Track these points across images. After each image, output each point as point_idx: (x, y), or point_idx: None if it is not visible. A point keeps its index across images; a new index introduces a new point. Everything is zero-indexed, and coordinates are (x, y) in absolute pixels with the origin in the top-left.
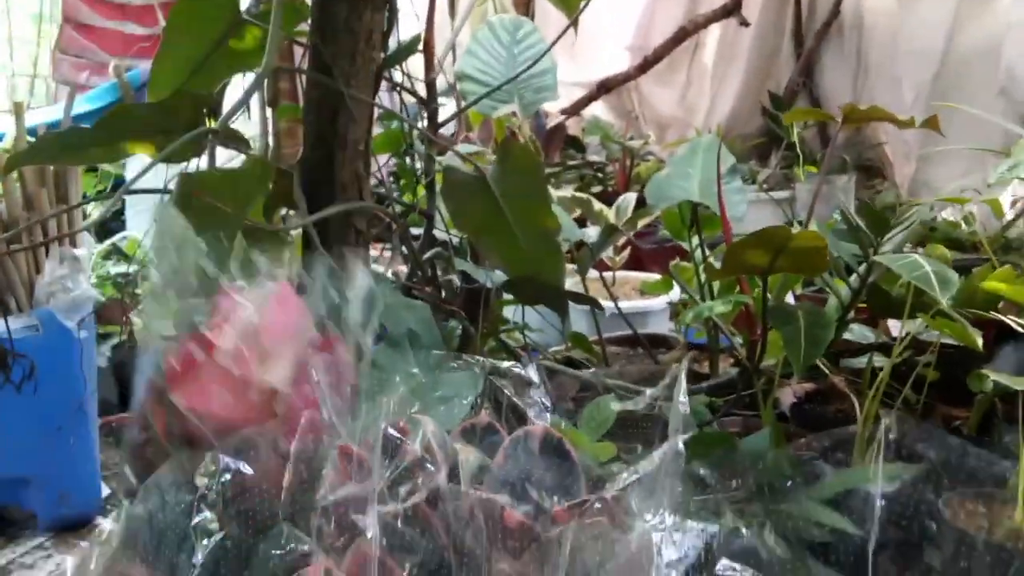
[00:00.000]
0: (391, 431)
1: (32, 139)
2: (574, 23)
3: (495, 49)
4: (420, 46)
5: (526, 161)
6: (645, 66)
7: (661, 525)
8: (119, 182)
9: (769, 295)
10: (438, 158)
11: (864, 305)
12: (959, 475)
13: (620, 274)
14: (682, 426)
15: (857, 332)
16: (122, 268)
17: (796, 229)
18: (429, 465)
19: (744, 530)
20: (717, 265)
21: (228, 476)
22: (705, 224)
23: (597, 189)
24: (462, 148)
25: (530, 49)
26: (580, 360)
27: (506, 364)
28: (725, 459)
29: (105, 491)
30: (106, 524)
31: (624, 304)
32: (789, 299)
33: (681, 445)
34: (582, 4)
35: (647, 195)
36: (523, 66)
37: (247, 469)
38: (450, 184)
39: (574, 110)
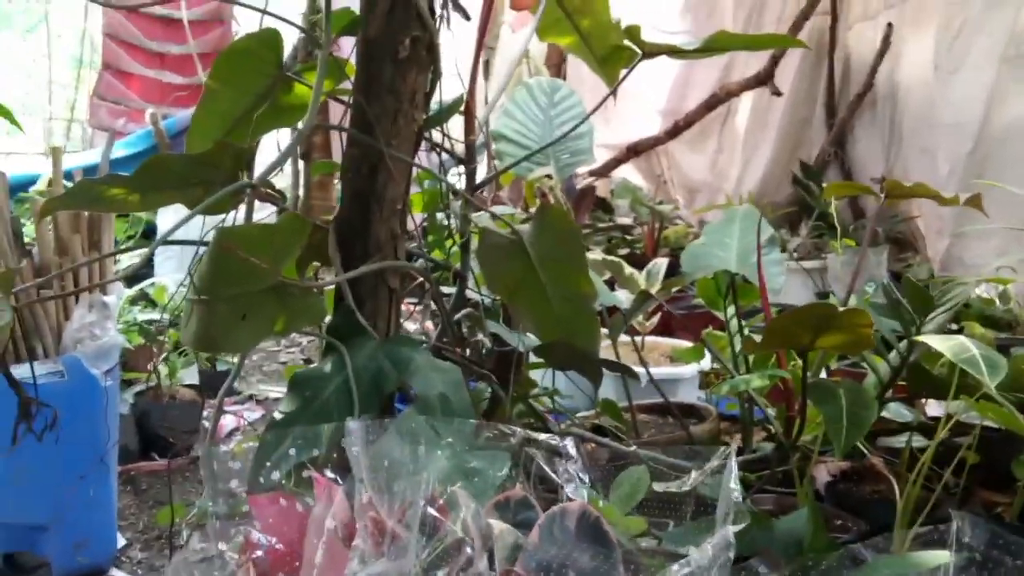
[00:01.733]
0: (431, 510)
1: (68, 184)
2: (613, 92)
3: (532, 111)
4: (461, 107)
5: (563, 225)
6: (676, 131)
7: None
8: (150, 228)
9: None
10: (473, 217)
11: (902, 383)
12: (1004, 565)
13: (650, 339)
14: (733, 515)
15: (894, 410)
16: (150, 315)
17: (835, 303)
18: (468, 548)
19: None
20: (756, 338)
21: (260, 553)
22: (741, 294)
23: (625, 251)
24: (498, 210)
25: (567, 112)
26: (609, 427)
27: (542, 436)
28: (761, 540)
29: (121, 541)
30: None
31: (654, 371)
32: (822, 373)
33: (732, 536)
34: (622, 73)
35: (683, 263)
36: (560, 128)
37: (279, 545)
38: (486, 245)
39: (603, 172)
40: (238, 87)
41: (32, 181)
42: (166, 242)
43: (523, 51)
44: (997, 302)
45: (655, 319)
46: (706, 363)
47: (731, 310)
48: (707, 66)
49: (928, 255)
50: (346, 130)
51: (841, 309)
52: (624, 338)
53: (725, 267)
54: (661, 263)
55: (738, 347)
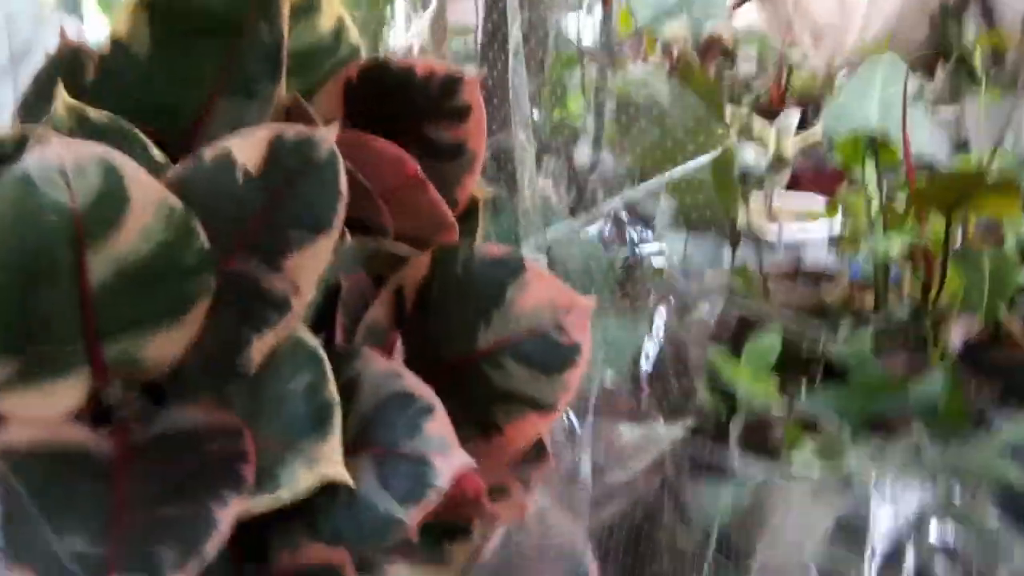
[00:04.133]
0: None
1: None
2: None
3: None
4: None
5: (704, 85)
6: None
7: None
8: None
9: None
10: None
11: None
12: None
13: (781, 199)
14: None
15: None
16: None
17: (975, 159)
18: None
19: (959, 493)
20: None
21: None
22: (881, 152)
23: (749, 102)
24: (636, 70)
25: None
26: (738, 292)
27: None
28: (894, 404)
29: None
30: None
31: (784, 233)
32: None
33: None
34: None
35: (823, 120)
36: None
37: None
38: (623, 108)
39: (726, 17)
40: None
41: None
42: None
43: None
44: None
45: (784, 176)
46: (837, 224)
47: (870, 169)
48: None
49: None
50: None
51: (990, 178)
52: (752, 197)
53: (866, 124)
54: (792, 116)
55: (875, 208)
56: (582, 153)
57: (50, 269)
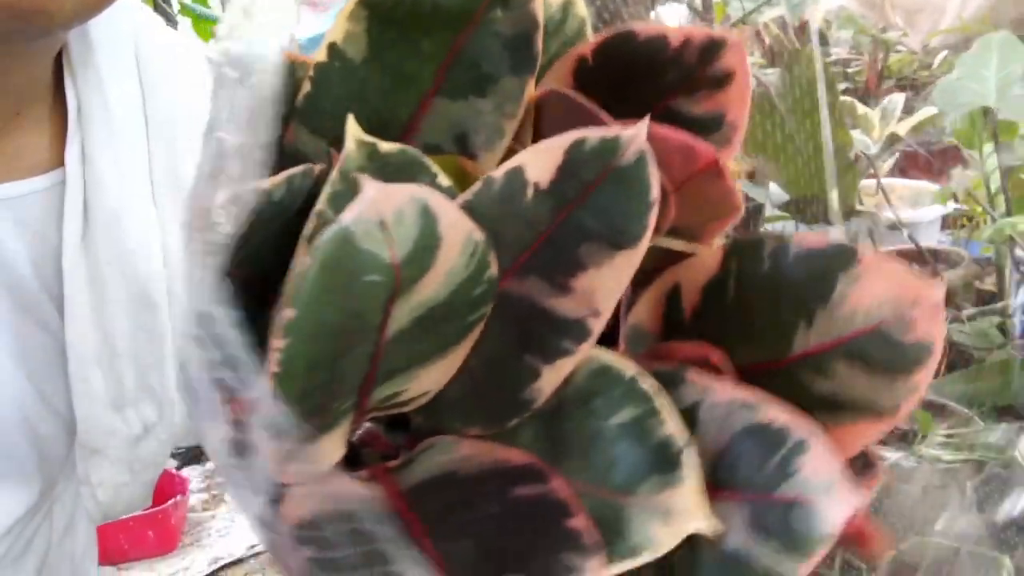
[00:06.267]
0: None
1: None
2: None
3: None
4: None
5: (815, 74)
6: None
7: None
8: None
9: None
10: None
11: None
12: None
13: (887, 182)
14: None
15: None
16: None
17: None
18: None
19: None
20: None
21: None
22: (1002, 130)
23: (844, 86)
24: None
25: None
26: None
27: None
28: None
29: None
30: None
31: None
32: None
33: None
34: None
35: (936, 100)
36: None
37: None
38: None
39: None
40: None
41: None
42: None
43: None
44: None
45: (891, 161)
46: (950, 205)
47: (988, 148)
48: None
49: None
50: None
51: None
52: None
53: (983, 103)
54: (896, 100)
55: (995, 186)
56: None
57: (361, 329)
